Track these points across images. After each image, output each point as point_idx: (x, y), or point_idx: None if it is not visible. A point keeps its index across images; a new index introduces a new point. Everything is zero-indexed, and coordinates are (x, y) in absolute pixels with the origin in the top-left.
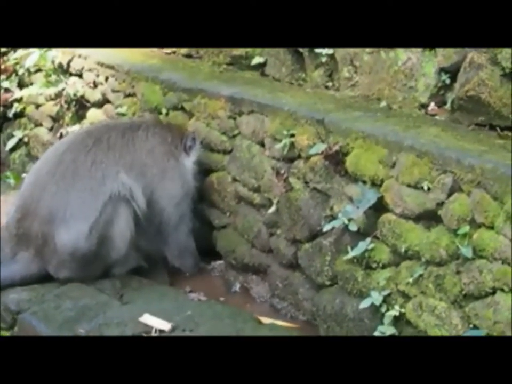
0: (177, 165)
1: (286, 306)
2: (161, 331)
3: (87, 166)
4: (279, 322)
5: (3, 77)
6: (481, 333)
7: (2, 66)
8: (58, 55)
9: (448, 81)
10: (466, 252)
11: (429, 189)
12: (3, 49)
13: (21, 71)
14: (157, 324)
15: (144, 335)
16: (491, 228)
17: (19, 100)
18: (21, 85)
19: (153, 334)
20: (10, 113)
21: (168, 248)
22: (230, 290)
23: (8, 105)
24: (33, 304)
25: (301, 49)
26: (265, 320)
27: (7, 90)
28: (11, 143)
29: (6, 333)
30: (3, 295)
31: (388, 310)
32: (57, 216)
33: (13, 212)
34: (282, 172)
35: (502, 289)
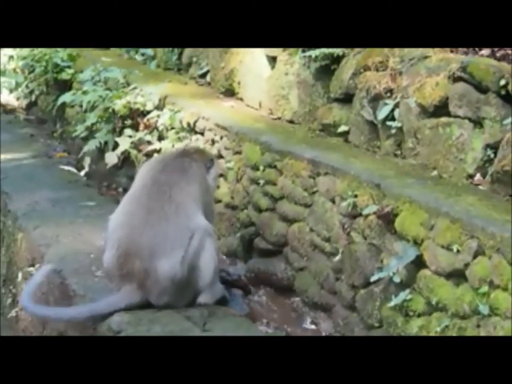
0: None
1: None
2: None
3: (172, 209)
4: None
5: (147, 131)
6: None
7: (147, 123)
8: (186, 116)
9: (492, 155)
10: (483, 309)
11: (458, 251)
12: (147, 108)
13: (160, 127)
14: None
15: None
16: (505, 289)
17: (158, 151)
18: (160, 138)
19: None
20: None
21: None
22: (302, 324)
23: (150, 155)
24: (130, 326)
25: (375, 121)
26: None
27: (149, 142)
28: None
29: None
30: (110, 317)
31: None
32: (158, 253)
33: (111, 257)
34: (346, 226)
35: None
